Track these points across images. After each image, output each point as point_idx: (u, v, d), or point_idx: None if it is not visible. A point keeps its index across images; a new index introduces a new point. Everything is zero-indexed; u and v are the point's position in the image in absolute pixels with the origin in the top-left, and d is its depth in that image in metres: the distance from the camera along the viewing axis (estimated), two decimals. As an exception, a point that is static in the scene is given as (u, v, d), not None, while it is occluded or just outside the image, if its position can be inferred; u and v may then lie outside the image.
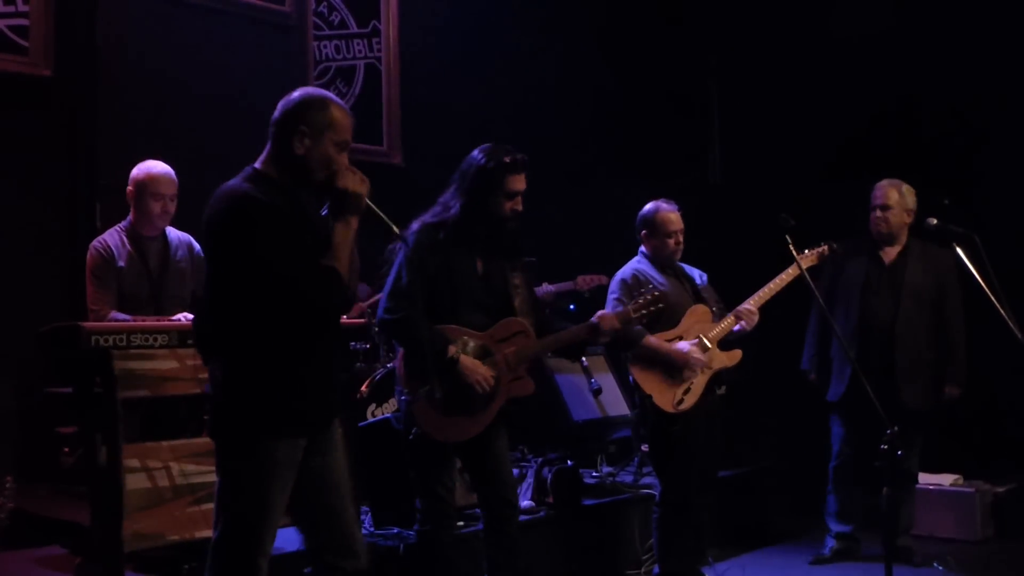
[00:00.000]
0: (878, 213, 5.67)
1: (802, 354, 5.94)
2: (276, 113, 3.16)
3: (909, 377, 5.52)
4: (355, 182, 3.11)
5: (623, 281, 4.96)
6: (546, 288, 6.41)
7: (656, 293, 4.52)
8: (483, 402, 4.06)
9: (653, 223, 5.01)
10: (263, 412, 3.03)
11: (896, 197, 5.63)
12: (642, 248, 5.13)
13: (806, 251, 5.18)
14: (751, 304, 5.00)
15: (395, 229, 3.24)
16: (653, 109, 8.15)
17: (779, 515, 6.65)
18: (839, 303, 5.72)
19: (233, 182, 3.09)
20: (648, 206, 5.07)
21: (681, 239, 5.02)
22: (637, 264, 5.07)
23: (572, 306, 6.30)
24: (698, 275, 5.20)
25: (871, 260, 5.70)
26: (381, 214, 3.20)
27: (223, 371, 3.07)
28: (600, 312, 4.33)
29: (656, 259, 5.05)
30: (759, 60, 7.74)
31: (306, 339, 3.07)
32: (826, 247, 5.25)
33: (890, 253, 5.70)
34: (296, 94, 3.17)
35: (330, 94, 3.21)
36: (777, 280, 5.12)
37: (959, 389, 5.61)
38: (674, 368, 4.84)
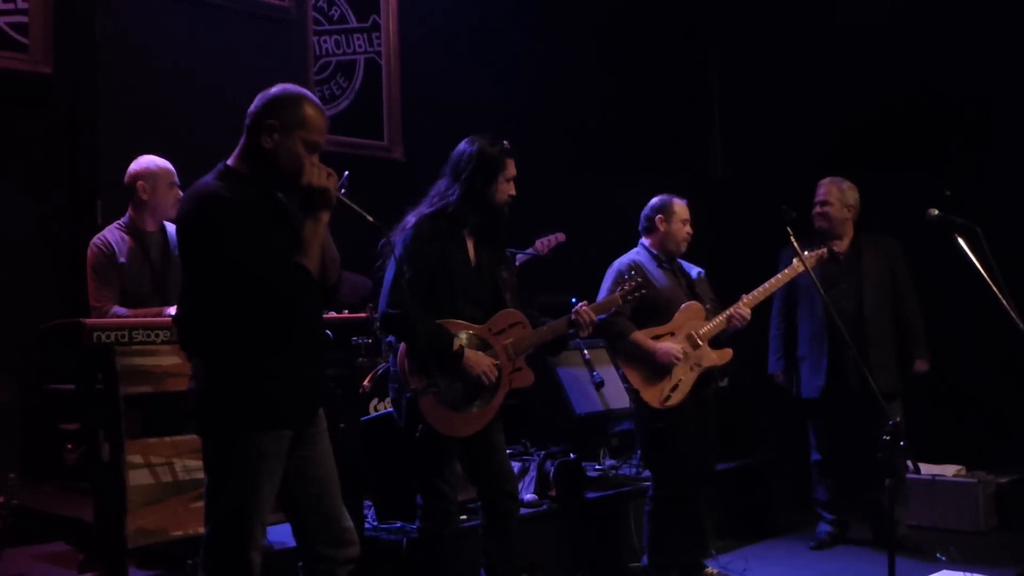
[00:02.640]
0: (817, 209, 5.80)
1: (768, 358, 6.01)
2: (252, 105, 3.15)
3: (881, 363, 5.59)
4: (320, 177, 3.08)
5: (619, 272, 4.99)
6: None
7: (639, 279, 4.65)
8: (487, 395, 4.07)
9: (671, 209, 5.07)
10: (245, 406, 3.05)
11: (836, 193, 5.77)
12: (643, 240, 5.16)
13: (806, 252, 5.23)
14: (744, 304, 5.05)
15: (369, 218, 3.20)
16: (654, 102, 8.13)
17: (781, 507, 6.66)
18: (802, 302, 5.84)
19: (204, 180, 3.10)
20: (660, 197, 5.13)
21: (691, 230, 5.10)
22: (636, 256, 5.11)
23: (574, 299, 6.28)
24: (695, 271, 5.24)
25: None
26: (354, 206, 3.18)
27: (204, 367, 3.10)
28: (579, 306, 4.34)
29: (660, 250, 5.09)
30: (760, 52, 7.73)
31: (282, 333, 3.07)
32: (825, 249, 5.34)
33: (840, 246, 5.78)
34: (274, 89, 3.17)
35: (308, 93, 3.20)
36: (773, 280, 5.22)
37: (927, 363, 5.75)
38: (656, 365, 4.88)
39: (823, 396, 5.73)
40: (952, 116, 6.99)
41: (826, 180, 5.83)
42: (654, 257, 5.09)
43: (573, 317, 4.30)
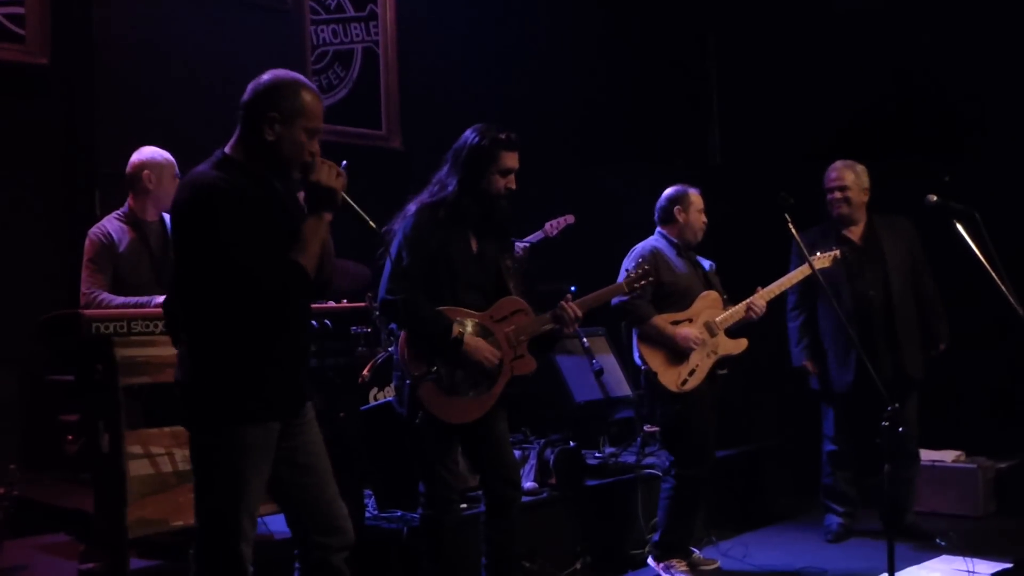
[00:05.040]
0: (837, 195, 5.68)
1: (790, 352, 5.87)
2: (246, 96, 3.11)
3: (910, 348, 5.57)
4: (329, 176, 3.05)
5: (642, 256, 5.01)
6: (519, 246, 6.30)
7: (647, 267, 4.64)
8: (488, 382, 4.08)
9: (688, 200, 5.13)
10: (231, 398, 3.04)
11: (852, 177, 5.66)
12: (661, 230, 5.20)
13: (818, 253, 5.26)
14: (761, 297, 5.08)
15: (371, 224, 3.19)
16: (652, 91, 8.12)
17: (781, 494, 6.67)
18: (823, 292, 5.56)
19: (200, 168, 3.07)
20: (676, 187, 5.19)
21: (706, 219, 5.15)
22: (656, 243, 5.16)
23: (573, 288, 6.30)
24: (708, 265, 5.27)
25: (841, 243, 5.64)
26: (358, 209, 3.16)
27: (191, 357, 3.08)
28: (562, 301, 4.25)
29: (679, 239, 5.14)
30: (758, 41, 7.71)
31: (270, 326, 3.06)
32: (838, 251, 5.36)
33: (856, 232, 5.71)
34: (266, 77, 3.12)
35: (301, 77, 3.16)
36: (789, 277, 5.23)
37: (945, 343, 5.70)
38: (677, 350, 4.94)
39: (852, 390, 5.59)
40: (950, 103, 6.98)
41: (838, 164, 5.70)
42: (673, 245, 5.15)
43: (557, 312, 4.20)
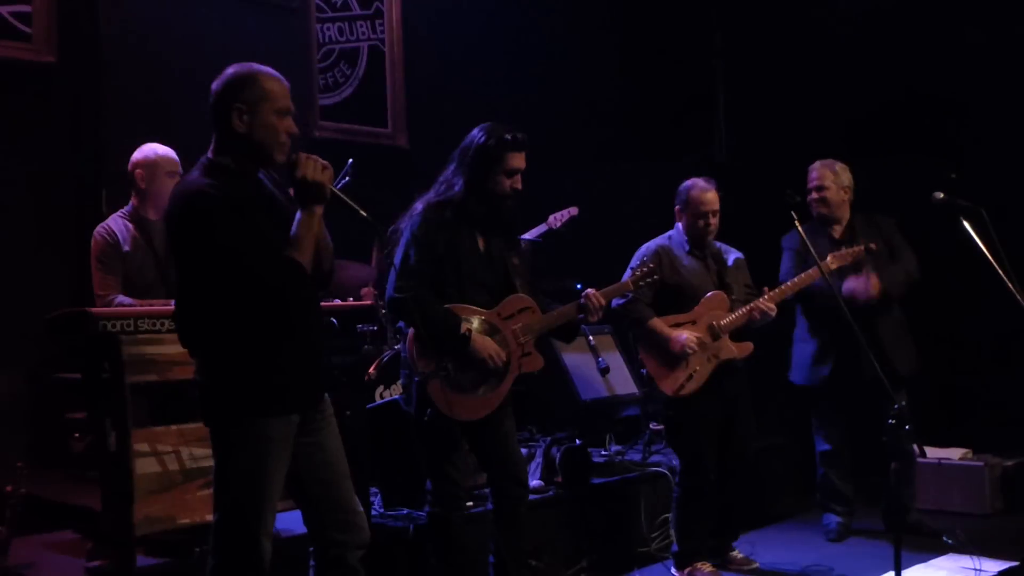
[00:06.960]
0: (814, 195, 5.66)
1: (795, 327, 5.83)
2: (211, 98, 3.16)
3: (896, 345, 5.53)
4: (315, 171, 3.07)
5: (646, 256, 4.94)
6: (523, 240, 6.24)
7: (652, 266, 4.60)
8: (496, 379, 4.08)
9: (686, 200, 4.97)
10: (251, 392, 3.07)
11: (831, 176, 5.63)
12: (677, 223, 5.08)
13: (842, 248, 5.19)
14: (770, 300, 4.95)
15: (362, 213, 3.19)
16: (658, 89, 8.11)
17: (786, 493, 6.65)
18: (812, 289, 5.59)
19: (190, 176, 3.12)
20: (688, 181, 5.01)
21: (712, 220, 4.95)
22: (665, 240, 5.05)
23: (579, 284, 6.29)
24: (733, 256, 5.14)
25: (827, 242, 5.60)
26: (348, 200, 3.18)
27: (205, 359, 3.12)
28: (587, 291, 4.31)
29: (687, 236, 5.01)
30: (765, 37, 7.70)
31: (281, 321, 3.08)
32: (863, 246, 5.24)
33: (838, 231, 5.67)
34: (228, 71, 3.18)
35: (258, 66, 3.21)
36: (800, 278, 5.12)
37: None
38: (672, 354, 4.84)
39: (829, 385, 5.60)
40: (957, 101, 6.96)
41: (817, 164, 5.69)
42: (685, 242, 5.01)
43: (583, 301, 4.27)
